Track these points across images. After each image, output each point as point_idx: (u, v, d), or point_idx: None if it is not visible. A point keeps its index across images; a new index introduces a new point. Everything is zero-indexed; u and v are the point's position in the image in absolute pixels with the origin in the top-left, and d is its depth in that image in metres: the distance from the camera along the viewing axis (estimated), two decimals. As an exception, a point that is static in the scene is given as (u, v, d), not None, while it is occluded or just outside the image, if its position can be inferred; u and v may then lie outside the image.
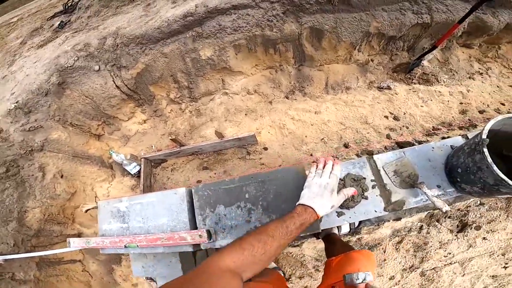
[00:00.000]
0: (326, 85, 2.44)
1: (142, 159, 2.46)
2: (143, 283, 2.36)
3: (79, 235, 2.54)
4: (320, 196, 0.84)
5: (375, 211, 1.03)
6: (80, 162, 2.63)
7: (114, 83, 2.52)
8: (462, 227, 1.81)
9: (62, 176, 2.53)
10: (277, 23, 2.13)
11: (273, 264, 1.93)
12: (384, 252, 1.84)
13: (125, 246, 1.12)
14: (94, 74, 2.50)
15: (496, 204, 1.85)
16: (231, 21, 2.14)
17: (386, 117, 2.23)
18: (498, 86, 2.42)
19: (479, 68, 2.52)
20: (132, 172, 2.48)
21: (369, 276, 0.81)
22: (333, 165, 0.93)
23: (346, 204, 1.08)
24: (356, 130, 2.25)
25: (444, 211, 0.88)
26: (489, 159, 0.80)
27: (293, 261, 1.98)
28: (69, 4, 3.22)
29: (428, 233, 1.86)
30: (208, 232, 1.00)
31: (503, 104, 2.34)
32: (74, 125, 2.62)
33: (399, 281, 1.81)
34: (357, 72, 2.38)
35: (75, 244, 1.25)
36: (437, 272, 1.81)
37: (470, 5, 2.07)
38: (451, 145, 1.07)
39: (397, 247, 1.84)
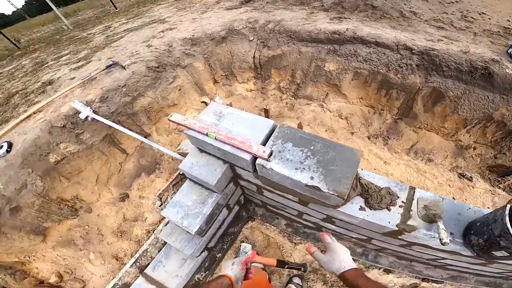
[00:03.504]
0: (411, 148, 2.44)
1: (233, 110, 3.02)
2: (150, 199, 2.57)
3: (148, 134, 3.03)
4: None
5: (388, 222, 1.17)
6: (194, 89, 3.42)
7: (254, 53, 3.25)
8: None
9: (179, 90, 3.34)
10: (405, 71, 2.33)
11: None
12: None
13: (206, 134, 1.37)
14: (246, 41, 3.31)
15: None
16: (367, 53, 2.50)
17: (452, 203, 2.06)
18: None
19: None
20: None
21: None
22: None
23: (372, 204, 1.23)
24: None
25: (443, 242, 0.97)
26: (507, 211, 0.88)
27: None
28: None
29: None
30: (271, 152, 1.25)
31: None
32: (210, 66, 3.47)
33: None
34: (450, 152, 2.29)
35: (176, 117, 1.47)
36: None
37: None
38: (484, 214, 1.13)
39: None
